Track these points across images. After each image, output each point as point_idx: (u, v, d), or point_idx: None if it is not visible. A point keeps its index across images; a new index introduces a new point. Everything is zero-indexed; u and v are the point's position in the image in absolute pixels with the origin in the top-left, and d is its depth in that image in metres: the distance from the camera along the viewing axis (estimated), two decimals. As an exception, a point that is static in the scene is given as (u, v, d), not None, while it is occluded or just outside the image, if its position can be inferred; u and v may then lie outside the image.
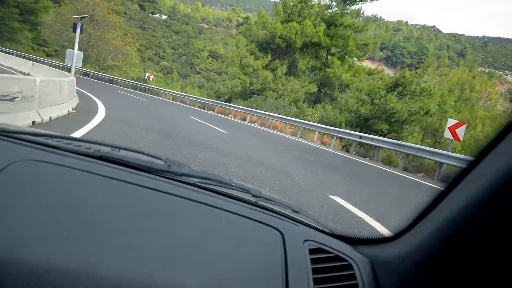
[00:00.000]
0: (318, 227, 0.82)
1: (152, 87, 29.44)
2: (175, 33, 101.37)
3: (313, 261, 0.66)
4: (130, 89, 29.49)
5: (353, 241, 0.79)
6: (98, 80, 31.99)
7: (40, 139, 0.75)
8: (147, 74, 33.14)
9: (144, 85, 29.88)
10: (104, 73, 34.51)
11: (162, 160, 0.85)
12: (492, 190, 0.46)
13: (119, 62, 40.04)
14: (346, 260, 0.70)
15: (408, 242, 0.63)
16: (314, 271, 0.64)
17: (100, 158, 0.74)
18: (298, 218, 0.82)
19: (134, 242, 0.56)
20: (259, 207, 0.78)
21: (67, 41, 38.96)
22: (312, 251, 0.68)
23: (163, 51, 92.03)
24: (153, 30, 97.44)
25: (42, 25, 38.93)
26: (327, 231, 0.82)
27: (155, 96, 27.56)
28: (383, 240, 0.73)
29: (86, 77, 32.30)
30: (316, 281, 0.63)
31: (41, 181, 0.61)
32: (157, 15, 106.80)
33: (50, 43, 41.00)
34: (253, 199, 0.82)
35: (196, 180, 0.79)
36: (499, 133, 0.48)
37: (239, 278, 0.58)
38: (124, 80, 31.30)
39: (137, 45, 45.25)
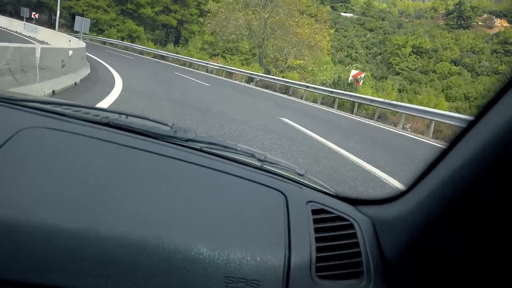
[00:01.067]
0: (322, 189, 0.83)
1: (376, 101, 12.68)
2: (369, 30, 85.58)
3: (315, 221, 0.68)
4: (317, 105, 14.59)
5: (355, 202, 0.80)
6: (265, 88, 18.77)
7: (48, 106, 0.75)
8: (354, 73, 16.53)
9: (350, 97, 13.68)
10: (282, 76, 20.92)
11: (168, 126, 0.83)
12: (491, 149, 0.46)
13: (303, 60, 26.13)
14: (347, 220, 0.70)
15: (407, 202, 0.63)
16: (316, 230, 0.66)
17: (107, 124, 0.74)
18: (302, 181, 0.82)
19: (142, 205, 0.58)
20: (264, 171, 0.79)
21: (234, 34, 27.71)
22: (314, 212, 0.70)
23: (356, 52, 78.14)
24: (344, 30, 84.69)
25: (205, 16, 29.03)
26: (331, 192, 0.83)
27: (376, 125, 11.47)
28: (385, 200, 0.74)
29: (250, 84, 19.46)
30: (318, 239, 0.65)
31: (49, 147, 0.62)
32: (349, 14, 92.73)
33: (214, 39, 30.98)
34: (259, 163, 0.82)
35: (202, 145, 0.79)
36: (499, 91, 0.47)
37: (244, 239, 0.60)
38: (307, 88, 16.47)
39: (331, 32, 30.45)
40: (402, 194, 0.67)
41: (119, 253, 0.52)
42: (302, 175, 0.85)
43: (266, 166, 0.81)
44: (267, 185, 0.71)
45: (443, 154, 0.55)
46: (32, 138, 0.62)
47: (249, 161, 0.81)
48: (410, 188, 0.64)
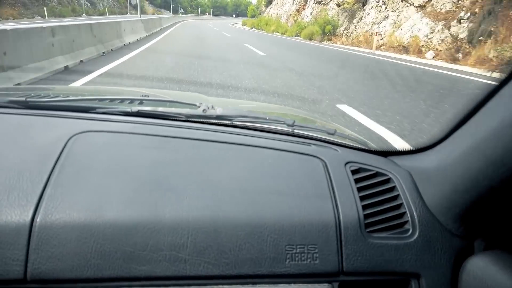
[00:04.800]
0: (354, 144, 0.85)
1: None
2: None
3: (356, 180, 0.71)
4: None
5: (387, 154, 0.82)
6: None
7: (82, 104, 0.81)
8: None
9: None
10: None
11: (196, 105, 0.87)
12: None
13: None
14: (386, 175, 0.73)
15: (446, 153, 0.66)
16: (359, 189, 0.70)
17: (138, 114, 0.79)
18: (334, 140, 0.84)
19: (196, 191, 0.64)
20: (296, 136, 0.82)
21: None
22: (353, 172, 0.73)
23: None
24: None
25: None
26: (363, 147, 0.85)
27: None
28: (418, 150, 0.76)
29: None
30: (361, 198, 0.69)
31: (98, 149, 0.68)
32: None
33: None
34: (289, 129, 0.84)
35: (232, 119, 0.82)
36: None
37: (295, 209, 0.65)
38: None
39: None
40: (436, 143, 0.69)
41: (190, 238, 0.59)
42: (333, 134, 0.86)
43: (297, 131, 0.84)
44: (305, 153, 0.74)
45: (482, 103, 0.55)
46: (81, 142, 0.67)
47: (279, 127, 0.84)
48: (445, 137, 0.66)
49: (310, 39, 19.01)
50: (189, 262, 0.58)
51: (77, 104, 0.80)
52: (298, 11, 28.95)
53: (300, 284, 0.61)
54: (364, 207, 0.67)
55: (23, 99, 0.78)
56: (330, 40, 17.89)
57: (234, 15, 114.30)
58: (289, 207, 0.64)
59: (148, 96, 0.91)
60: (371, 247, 0.64)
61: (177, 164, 0.67)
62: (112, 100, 0.89)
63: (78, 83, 5.45)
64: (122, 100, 0.88)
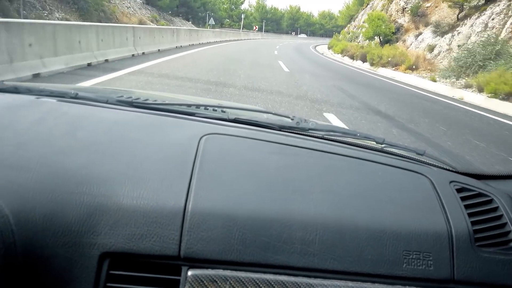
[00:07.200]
0: (446, 167, 0.87)
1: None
2: None
3: (462, 199, 0.75)
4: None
5: (481, 177, 0.85)
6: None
7: (186, 110, 0.88)
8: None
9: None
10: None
11: (289, 118, 0.91)
12: None
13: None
14: (488, 196, 0.77)
15: None
16: (465, 207, 0.73)
17: (235, 121, 0.85)
18: (428, 161, 0.87)
19: (318, 193, 0.68)
20: (388, 154, 0.85)
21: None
22: (458, 191, 0.76)
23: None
24: None
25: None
26: (455, 169, 0.87)
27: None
28: None
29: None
30: (469, 215, 0.72)
31: (228, 150, 0.74)
32: None
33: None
34: (378, 146, 0.87)
35: (323, 133, 0.86)
36: None
37: (408, 218, 0.69)
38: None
39: None
40: None
41: (318, 235, 0.63)
42: (422, 155, 0.89)
43: (387, 149, 0.87)
44: (410, 169, 0.78)
45: None
46: (211, 143, 0.74)
47: (369, 144, 0.87)
48: None
49: None
50: (317, 256, 0.62)
51: (181, 109, 0.87)
52: None
53: None
54: (472, 223, 0.71)
55: (129, 100, 0.86)
56: None
57: (293, 32, 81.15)
58: (405, 216, 0.68)
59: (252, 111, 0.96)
60: (480, 259, 0.68)
61: (299, 169, 0.72)
62: (198, 106, 0.93)
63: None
64: (207, 107, 0.93)
